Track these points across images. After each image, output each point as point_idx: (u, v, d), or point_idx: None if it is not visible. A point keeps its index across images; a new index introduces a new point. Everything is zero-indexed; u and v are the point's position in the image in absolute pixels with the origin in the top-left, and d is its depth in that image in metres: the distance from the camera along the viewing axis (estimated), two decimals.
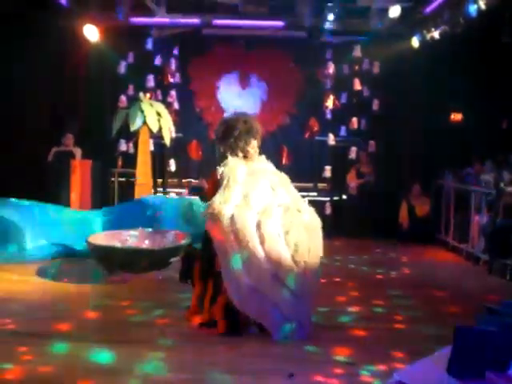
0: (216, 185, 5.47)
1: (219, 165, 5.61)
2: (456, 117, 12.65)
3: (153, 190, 12.05)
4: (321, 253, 5.44)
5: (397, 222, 11.54)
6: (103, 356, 4.69)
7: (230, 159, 5.58)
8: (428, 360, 2.19)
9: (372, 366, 4.54)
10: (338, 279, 7.84)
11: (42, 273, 7.85)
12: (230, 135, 5.62)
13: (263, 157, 5.82)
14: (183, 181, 13.20)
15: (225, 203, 5.25)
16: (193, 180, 13.06)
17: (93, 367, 4.47)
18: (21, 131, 11.41)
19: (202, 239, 5.67)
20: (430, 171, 11.72)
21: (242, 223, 5.17)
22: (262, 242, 5.15)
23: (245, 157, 5.66)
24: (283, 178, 5.73)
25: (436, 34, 10.91)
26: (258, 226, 5.21)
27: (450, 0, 10.36)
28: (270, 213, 5.30)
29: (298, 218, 5.38)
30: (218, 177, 5.46)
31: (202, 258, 5.62)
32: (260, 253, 5.12)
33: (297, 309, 5.22)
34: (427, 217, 11.48)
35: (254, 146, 5.71)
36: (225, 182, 5.39)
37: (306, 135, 12.99)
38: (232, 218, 5.20)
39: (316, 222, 5.50)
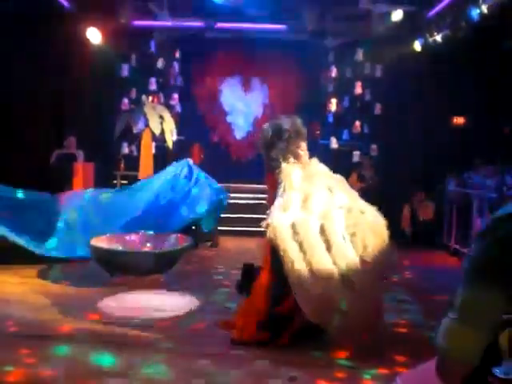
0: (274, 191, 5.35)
1: (270, 171, 5.48)
2: (458, 120, 12.66)
3: None
4: (389, 253, 5.18)
5: (399, 226, 11.51)
6: (105, 359, 4.69)
7: (285, 165, 5.37)
8: (430, 364, 2.17)
9: (374, 370, 4.54)
10: None
11: (43, 275, 7.86)
12: (280, 139, 5.47)
13: (315, 159, 5.65)
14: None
15: (284, 211, 5.09)
16: None
17: (94, 370, 4.48)
18: (23, 134, 11.40)
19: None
20: (433, 175, 11.70)
21: (304, 231, 4.95)
22: (329, 248, 4.91)
23: (296, 160, 5.48)
24: (339, 180, 5.57)
25: (438, 38, 10.93)
26: (322, 231, 4.99)
27: (452, 4, 10.38)
28: (331, 216, 5.07)
29: (363, 218, 5.15)
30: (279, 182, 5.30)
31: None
32: (327, 260, 4.87)
33: (363, 313, 4.92)
34: (431, 220, 11.45)
35: (304, 148, 5.57)
36: (281, 189, 5.24)
37: (309, 139, 12.96)
38: (293, 226, 4.99)
39: (381, 222, 5.21)
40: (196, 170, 9.98)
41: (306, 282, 4.84)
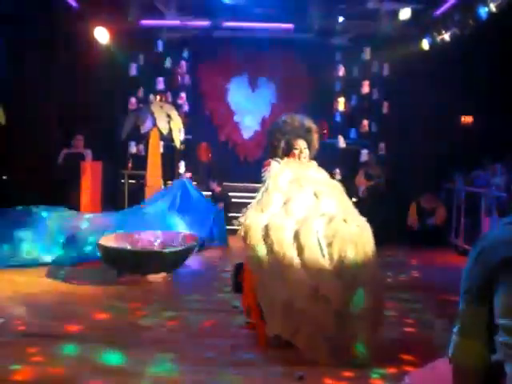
0: None
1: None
2: (466, 119, 12.62)
3: None
4: (375, 267, 4.91)
5: (406, 225, 11.48)
6: (113, 357, 4.71)
7: (274, 164, 5.32)
8: (439, 363, 2.19)
9: (382, 369, 4.53)
10: None
11: (52, 274, 7.88)
12: (273, 136, 5.49)
13: (314, 162, 5.57)
14: (193, 183, 13.21)
15: (261, 211, 4.99)
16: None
17: (103, 369, 4.49)
18: (31, 133, 11.44)
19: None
20: (441, 174, 11.68)
21: (276, 233, 4.79)
22: (300, 253, 4.72)
23: (291, 158, 5.42)
24: (335, 186, 5.44)
25: (446, 37, 10.89)
26: (296, 237, 4.81)
27: (460, 2, 10.34)
28: (310, 222, 4.89)
29: (344, 228, 4.87)
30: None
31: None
32: (297, 265, 4.69)
33: (340, 329, 4.63)
34: (443, 224, 11.38)
35: (300, 147, 5.47)
36: (263, 188, 5.17)
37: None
38: (267, 227, 4.86)
39: (365, 234, 4.92)
40: (192, 189, 10.19)
41: (271, 287, 4.71)
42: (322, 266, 4.70)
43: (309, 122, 5.63)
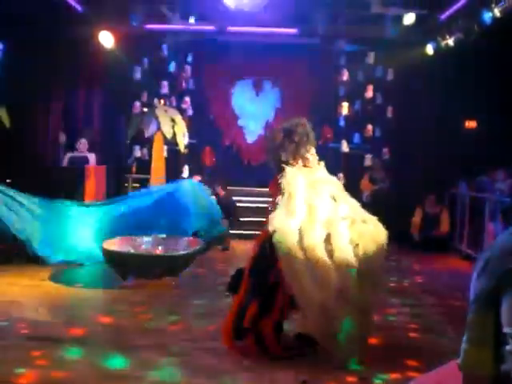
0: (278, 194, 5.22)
1: (277, 173, 5.32)
2: (470, 124, 12.61)
3: None
4: (384, 265, 5.20)
5: (410, 229, 11.45)
6: (117, 361, 4.71)
7: (288, 170, 5.24)
8: (444, 369, 2.19)
9: (386, 374, 4.52)
10: None
11: (55, 277, 7.89)
12: (291, 141, 5.35)
13: (322, 164, 5.54)
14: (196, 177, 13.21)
15: (289, 217, 4.96)
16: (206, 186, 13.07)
17: (106, 372, 4.49)
18: (35, 136, 11.46)
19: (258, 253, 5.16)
20: (445, 178, 11.66)
21: (309, 238, 4.84)
22: (332, 257, 4.80)
23: (304, 164, 5.37)
24: (340, 187, 5.47)
25: (450, 42, 10.88)
26: (327, 240, 4.89)
27: (464, 8, 10.33)
28: (336, 225, 4.97)
29: (365, 228, 5.04)
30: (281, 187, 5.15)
31: (254, 271, 5.17)
32: (331, 268, 4.77)
33: (359, 326, 4.81)
34: (447, 233, 11.36)
35: (313, 152, 5.47)
36: (286, 195, 5.09)
37: (320, 142, 12.97)
38: (299, 233, 4.88)
39: (382, 233, 5.09)
40: (198, 190, 10.17)
41: (308, 290, 4.77)
42: (350, 267, 4.79)
43: (311, 127, 5.56)
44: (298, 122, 5.49)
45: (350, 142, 12.79)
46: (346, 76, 12.87)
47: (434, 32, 11.43)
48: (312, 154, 5.45)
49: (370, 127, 12.70)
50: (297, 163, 5.34)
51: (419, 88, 12.07)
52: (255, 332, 4.98)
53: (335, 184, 5.44)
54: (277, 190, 5.27)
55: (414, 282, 8.43)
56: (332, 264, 4.79)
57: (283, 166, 5.28)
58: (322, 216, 5.02)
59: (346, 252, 4.84)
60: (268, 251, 4.96)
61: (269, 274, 4.98)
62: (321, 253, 4.81)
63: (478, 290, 1.98)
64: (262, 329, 4.96)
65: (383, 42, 12.07)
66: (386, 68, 12.61)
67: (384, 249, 5.03)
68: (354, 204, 5.33)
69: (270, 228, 4.95)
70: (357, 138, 12.87)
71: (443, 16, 11.07)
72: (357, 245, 4.89)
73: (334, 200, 5.20)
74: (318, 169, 5.46)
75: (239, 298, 5.12)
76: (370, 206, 11.71)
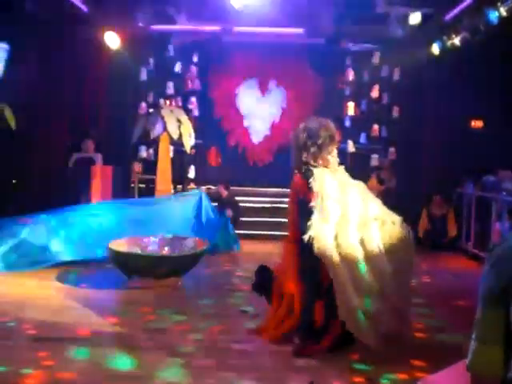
0: (297, 199, 5.26)
1: (296, 173, 5.33)
2: (476, 124, 12.57)
3: None
4: (413, 266, 5.34)
5: (417, 230, 11.42)
6: (123, 362, 4.71)
7: (317, 171, 5.20)
8: (452, 369, 2.17)
9: (393, 374, 4.52)
10: None
11: (62, 278, 7.90)
12: (314, 143, 5.30)
13: (342, 167, 5.51)
14: (202, 188, 13.23)
15: (325, 222, 5.00)
16: (211, 187, 13.10)
17: (113, 373, 4.50)
18: (41, 137, 11.48)
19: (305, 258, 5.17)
20: (451, 178, 11.63)
21: (346, 243, 4.93)
22: (368, 260, 4.92)
23: (325, 166, 5.33)
24: (364, 188, 5.46)
25: (457, 41, 10.85)
26: (361, 243, 4.97)
27: (470, 7, 10.31)
28: (369, 228, 5.05)
29: (395, 231, 5.10)
30: (313, 190, 5.11)
31: (304, 272, 5.22)
32: (368, 272, 4.90)
33: (397, 323, 4.99)
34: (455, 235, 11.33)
35: (335, 154, 5.43)
36: (319, 199, 5.06)
37: None
38: (336, 237, 4.95)
39: (409, 235, 5.17)
40: (205, 202, 10.23)
41: (348, 296, 4.85)
42: (384, 269, 4.91)
43: (334, 128, 5.53)
44: (322, 124, 5.43)
45: (356, 142, 12.77)
46: (351, 76, 12.85)
47: (440, 31, 11.40)
48: (333, 156, 5.41)
49: (376, 127, 12.69)
50: (318, 165, 5.29)
51: (425, 88, 12.05)
52: (328, 332, 5.06)
53: (359, 185, 5.43)
54: (298, 188, 5.27)
55: (420, 282, 8.39)
56: (367, 267, 4.90)
57: (308, 166, 5.26)
58: (354, 218, 5.07)
59: (377, 256, 4.93)
60: (308, 256, 5.00)
61: (319, 274, 5.04)
62: (357, 256, 4.90)
63: (485, 289, 1.96)
64: (332, 329, 5.04)
65: (389, 41, 12.05)
66: (391, 68, 12.60)
67: (413, 250, 5.18)
68: (380, 203, 5.36)
69: (306, 236, 4.97)
70: (363, 138, 12.84)
71: (449, 15, 11.05)
72: (389, 246, 4.99)
73: (363, 201, 5.23)
74: (339, 171, 5.43)
75: (298, 301, 5.16)
76: None
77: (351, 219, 5.05)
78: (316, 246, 4.91)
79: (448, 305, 7.00)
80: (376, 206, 5.26)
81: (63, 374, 4.41)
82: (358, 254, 4.91)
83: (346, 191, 5.21)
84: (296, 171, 5.35)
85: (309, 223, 5.01)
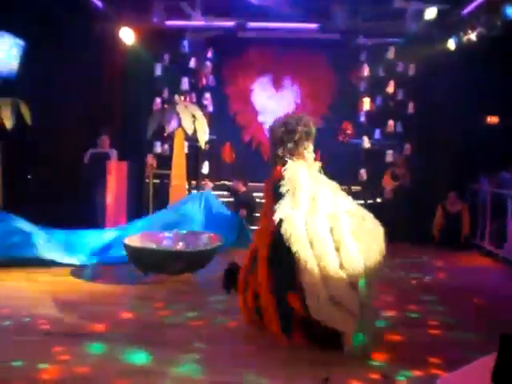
0: (273, 187, 5.33)
1: (273, 167, 5.45)
2: (492, 120, 12.49)
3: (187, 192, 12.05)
4: (382, 261, 5.18)
5: (432, 227, 11.38)
6: (138, 357, 4.73)
7: (291, 163, 5.32)
8: (470, 368, 2.16)
9: (408, 371, 4.49)
10: None
11: (77, 273, 7.95)
12: (290, 139, 5.41)
13: (318, 163, 5.57)
14: (216, 183, 13.25)
15: (296, 209, 5.07)
16: (226, 182, 13.11)
17: (128, 368, 4.51)
18: (57, 133, 11.51)
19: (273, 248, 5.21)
20: (466, 174, 11.57)
21: (315, 230, 4.96)
22: (338, 249, 4.93)
23: (301, 160, 5.43)
24: (336, 186, 5.49)
25: (473, 37, 10.78)
26: (331, 232, 5.00)
27: (487, 2, 10.24)
28: (339, 218, 5.08)
29: (365, 223, 5.16)
30: (286, 177, 5.24)
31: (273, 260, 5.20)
32: (335, 261, 4.87)
33: (365, 318, 4.92)
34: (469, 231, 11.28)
35: (310, 150, 5.52)
36: (289, 187, 5.17)
37: (340, 138, 12.95)
38: (306, 223, 5.00)
39: (380, 230, 5.18)
40: (213, 200, 10.23)
41: (316, 284, 4.84)
42: (355, 260, 4.88)
43: (312, 124, 5.62)
44: (299, 120, 5.54)
45: (371, 137, 12.72)
46: (366, 71, 12.79)
47: (456, 27, 11.33)
48: (309, 152, 5.52)
49: (391, 123, 12.62)
50: (293, 159, 5.38)
51: (440, 83, 11.98)
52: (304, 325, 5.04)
53: (332, 184, 5.49)
54: (276, 181, 5.34)
55: (435, 279, 8.38)
56: (338, 257, 4.90)
57: (284, 160, 5.37)
58: (324, 208, 5.11)
59: (350, 247, 4.93)
60: (278, 241, 5.03)
61: (292, 266, 4.99)
62: (326, 245, 4.91)
63: None
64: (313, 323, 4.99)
65: (404, 36, 11.99)
66: (407, 63, 12.52)
67: (383, 248, 5.07)
68: (352, 202, 5.43)
69: (276, 217, 5.05)
70: (378, 133, 12.79)
71: (465, 10, 10.98)
72: (358, 238, 5.00)
73: (333, 195, 5.29)
74: (314, 167, 5.50)
75: (268, 294, 5.13)
76: (392, 202, 11.84)
77: (320, 209, 5.08)
78: (284, 227, 4.96)
79: (463, 302, 6.96)
80: (347, 202, 5.33)
81: (79, 369, 4.42)
82: (328, 242, 4.92)
83: (317, 185, 5.29)
84: (272, 164, 5.49)
85: (276, 206, 5.10)
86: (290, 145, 5.41)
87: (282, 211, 5.07)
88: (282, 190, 5.21)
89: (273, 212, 5.15)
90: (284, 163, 5.35)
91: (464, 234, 11.13)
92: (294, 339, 5.04)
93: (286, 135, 5.43)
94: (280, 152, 5.44)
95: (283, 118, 5.66)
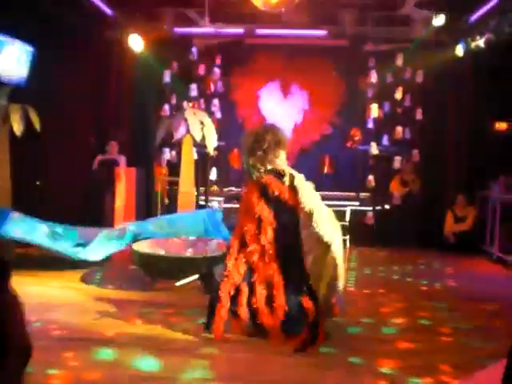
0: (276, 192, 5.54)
1: (249, 176, 5.69)
2: (501, 125, 12.45)
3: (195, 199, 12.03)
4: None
5: (441, 233, 11.37)
6: (148, 363, 4.73)
7: (294, 172, 5.60)
8: (481, 375, 2.16)
9: (418, 378, 4.48)
10: (381, 290, 7.76)
11: (86, 279, 7.96)
12: (259, 147, 5.60)
13: (292, 171, 5.69)
14: (224, 189, 13.27)
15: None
16: (233, 188, 13.12)
17: (138, 374, 4.51)
18: (65, 139, 11.53)
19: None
20: (475, 180, 11.55)
21: (322, 225, 5.33)
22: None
23: (273, 169, 5.64)
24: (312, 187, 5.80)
25: (481, 43, 10.77)
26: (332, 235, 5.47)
27: (495, 8, 10.23)
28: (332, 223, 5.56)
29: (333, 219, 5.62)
30: (293, 184, 5.50)
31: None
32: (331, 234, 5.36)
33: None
34: (472, 228, 11.27)
35: (282, 157, 5.70)
36: (305, 189, 5.48)
37: (348, 144, 12.95)
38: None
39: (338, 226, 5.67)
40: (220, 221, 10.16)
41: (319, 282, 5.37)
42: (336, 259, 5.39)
43: (282, 133, 5.84)
44: (268, 128, 5.78)
45: (379, 144, 12.71)
46: (374, 78, 12.78)
47: (464, 33, 11.32)
48: (281, 160, 5.69)
49: (399, 129, 12.60)
50: (265, 168, 5.61)
51: (449, 89, 11.97)
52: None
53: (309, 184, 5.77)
54: (270, 189, 5.55)
55: (445, 285, 8.35)
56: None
57: (255, 169, 5.62)
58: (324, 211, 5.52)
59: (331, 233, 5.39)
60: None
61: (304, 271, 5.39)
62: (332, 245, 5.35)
63: None
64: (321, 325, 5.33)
65: (413, 43, 11.99)
66: (415, 70, 12.51)
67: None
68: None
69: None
70: (386, 140, 12.77)
71: (473, 17, 10.97)
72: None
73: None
74: (286, 174, 5.62)
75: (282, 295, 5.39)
76: (401, 208, 11.82)
77: (323, 213, 5.48)
78: (314, 219, 5.31)
79: (473, 309, 6.93)
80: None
81: (88, 375, 4.44)
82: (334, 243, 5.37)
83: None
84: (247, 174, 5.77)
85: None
86: (259, 153, 5.60)
87: (309, 204, 5.37)
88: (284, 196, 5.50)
89: (269, 212, 5.50)
90: (258, 170, 5.59)
91: (468, 225, 11.14)
92: (299, 342, 5.14)
93: (255, 144, 5.63)
94: (251, 161, 5.64)
95: (254, 128, 6.04)
